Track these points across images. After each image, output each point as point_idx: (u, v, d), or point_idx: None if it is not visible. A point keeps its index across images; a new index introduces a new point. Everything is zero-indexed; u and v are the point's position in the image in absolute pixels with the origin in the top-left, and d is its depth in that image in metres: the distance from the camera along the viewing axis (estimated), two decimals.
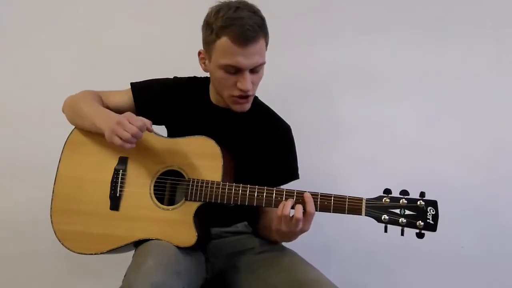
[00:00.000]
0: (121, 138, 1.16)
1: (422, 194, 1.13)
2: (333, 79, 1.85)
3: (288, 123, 1.44)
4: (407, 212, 1.11)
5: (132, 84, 1.42)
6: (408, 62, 1.82)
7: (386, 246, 1.72)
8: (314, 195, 1.16)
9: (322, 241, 1.78)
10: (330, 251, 1.80)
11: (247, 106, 1.30)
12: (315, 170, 1.75)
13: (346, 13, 1.85)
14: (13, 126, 1.86)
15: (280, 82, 1.75)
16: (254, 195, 1.21)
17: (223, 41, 1.18)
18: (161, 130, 1.41)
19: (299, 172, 1.43)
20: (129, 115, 1.19)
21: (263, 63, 1.24)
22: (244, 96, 1.26)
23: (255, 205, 1.21)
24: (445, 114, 1.82)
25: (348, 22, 1.84)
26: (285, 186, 1.41)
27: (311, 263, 1.27)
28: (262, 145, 1.38)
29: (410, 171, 1.78)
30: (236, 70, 1.21)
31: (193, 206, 1.23)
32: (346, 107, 1.84)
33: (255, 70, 1.23)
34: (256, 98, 1.44)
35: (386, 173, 1.78)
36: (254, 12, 1.21)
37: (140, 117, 1.19)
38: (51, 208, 1.30)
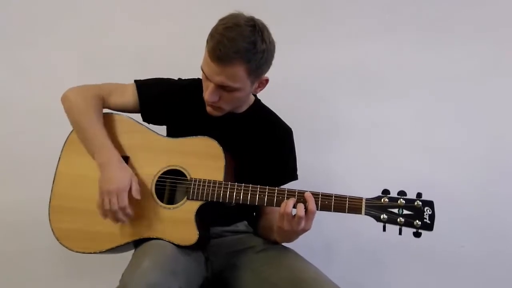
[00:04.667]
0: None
1: (419, 195, 1.15)
2: (332, 79, 1.86)
3: (289, 126, 1.45)
4: (405, 211, 1.14)
5: (136, 81, 1.42)
6: (408, 62, 1.83)
7: (385, 246, 1.74)
8: (315, 194, 1.18)
9: (322, 240, 1.79)
10: (330, 250, 1.82)
11: (215, 113, 1.33)
12: (315, 170, 1.76)
13: (346, 13, 1.86)
14: (14, 126, 1.87)
15: (280, 82, 1.72)
16: (256, 194, 1.22)
17: (206, 48, 1.22)
18: (161, 130, 1.41)
19: (298, 172, 1.45)
20: (123, 191, 1.22)
21: (233, 87, 1.23)
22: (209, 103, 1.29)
23: (256, 204, 1.23)
24: (445, 114, 1.83)
25: (348, 22, 1.86)
26: (284, 187, 1.43)
27: (311, 262, 1.28)
28: (262, 146, 1.39)
29: (410, 171, 1.79)
30: (206, 77, 1.24)
31: (195, 205, 1.24)
32: (346, 107, 1.85)
33: (225, 89, 1.24)
34: (258, 101, 1.47)
35: (386, 173, 1.80)
36: (247, 38, 1.17)
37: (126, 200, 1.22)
38: (49, 207, 1.30)
